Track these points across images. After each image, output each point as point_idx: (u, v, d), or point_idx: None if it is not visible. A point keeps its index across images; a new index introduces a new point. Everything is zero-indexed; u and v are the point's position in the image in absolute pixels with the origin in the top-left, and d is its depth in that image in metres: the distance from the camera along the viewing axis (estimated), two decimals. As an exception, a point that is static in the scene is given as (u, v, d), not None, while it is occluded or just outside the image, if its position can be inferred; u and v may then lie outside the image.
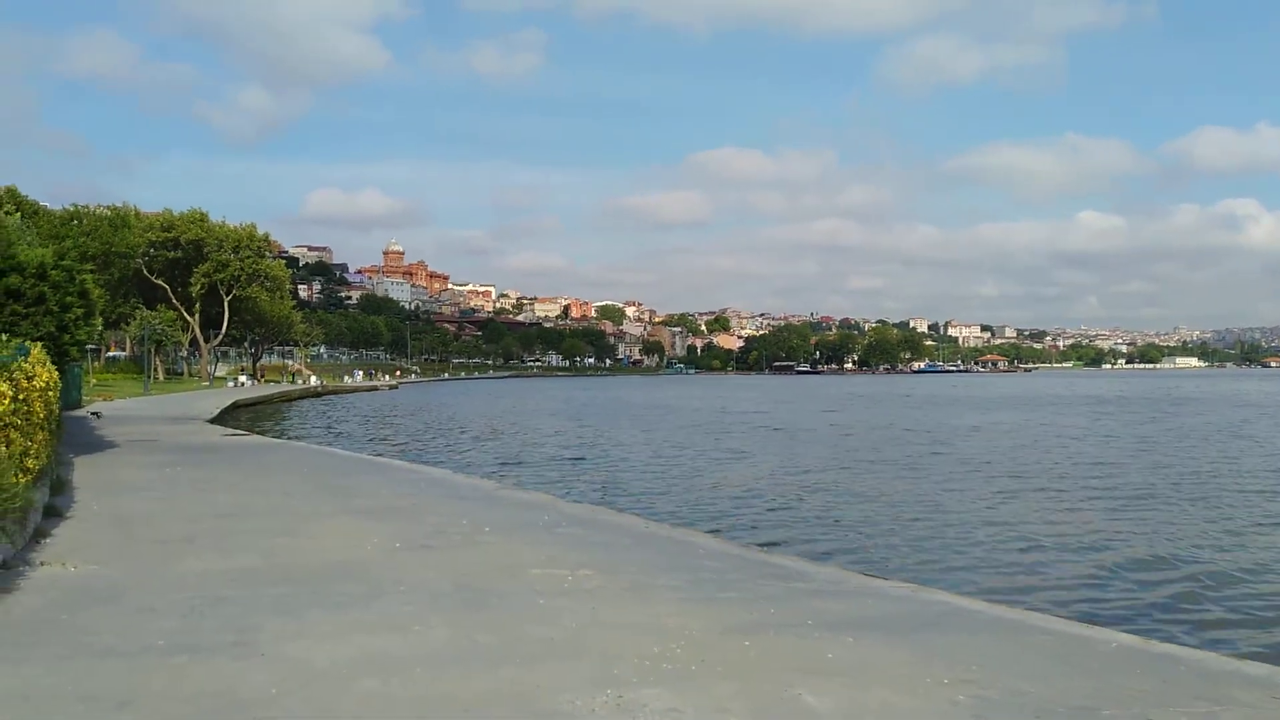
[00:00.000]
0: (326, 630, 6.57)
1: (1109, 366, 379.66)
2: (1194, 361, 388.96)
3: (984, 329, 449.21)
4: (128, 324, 75.90)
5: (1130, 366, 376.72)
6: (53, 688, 5.29)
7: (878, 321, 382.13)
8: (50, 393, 11.54)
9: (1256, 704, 5.48)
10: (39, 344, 13.06)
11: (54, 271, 19.41)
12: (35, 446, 10.23)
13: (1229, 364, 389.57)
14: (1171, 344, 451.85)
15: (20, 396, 9.40)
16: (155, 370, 75.64)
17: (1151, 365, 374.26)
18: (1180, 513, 16.33)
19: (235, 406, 47.87)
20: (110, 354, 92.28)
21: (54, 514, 11.30)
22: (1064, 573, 11.65)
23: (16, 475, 8.75)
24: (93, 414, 32.73)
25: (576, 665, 5.89)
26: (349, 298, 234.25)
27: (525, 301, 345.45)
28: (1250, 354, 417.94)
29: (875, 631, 6.94)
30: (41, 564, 8.56)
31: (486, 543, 10.28)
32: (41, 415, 10.64)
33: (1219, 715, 5.29)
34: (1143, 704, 5.40)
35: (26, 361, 10.28)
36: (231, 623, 6.72)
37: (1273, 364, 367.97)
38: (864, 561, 11.93)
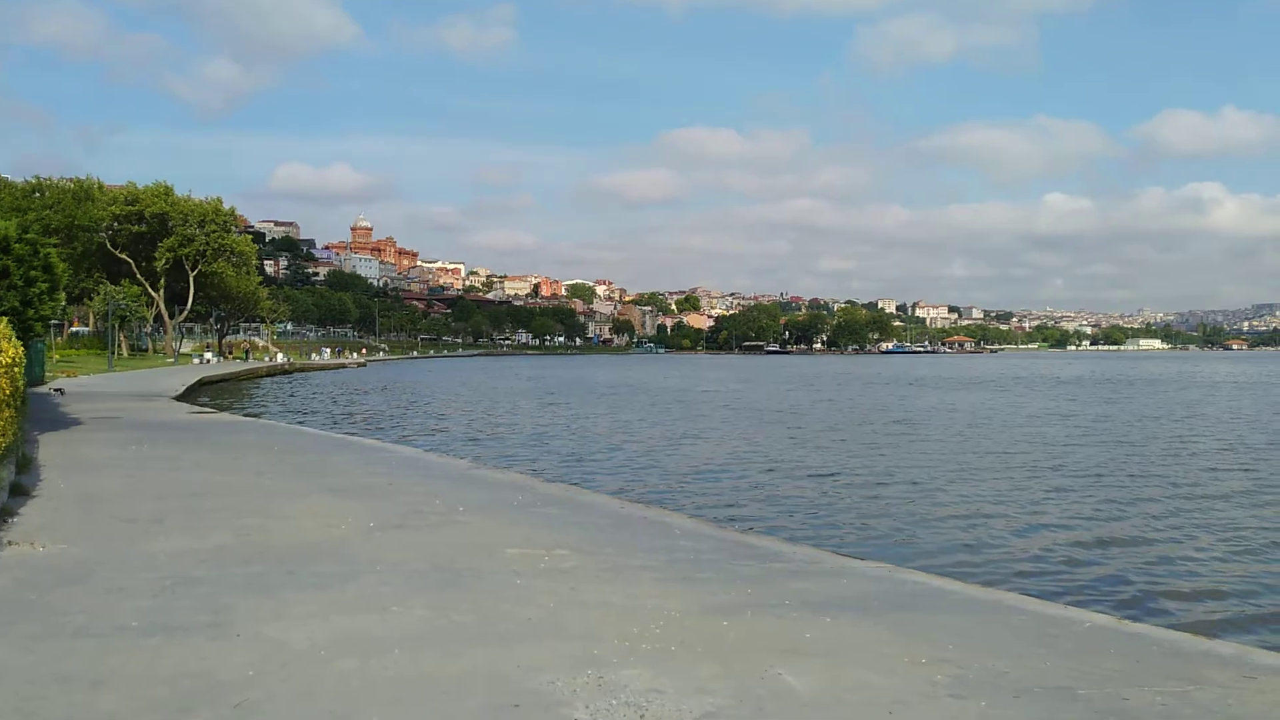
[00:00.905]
0: (303, 611, 6.51)
1: (1074, 348, 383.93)
2: (1157, 344, 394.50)
3: (951, 310, 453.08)
4: (91, 299, 74.94)
5: (1095, 348, 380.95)
6: (27, 668, 5.21)
7: (846, 302, 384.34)
8: (16, 369, 11.34)
9: (1228, 683, 5.55)
10: (3, 319, 12.82)
11: (18, 245, 19.08)
12: (1, 424, 10.06)
13: (1192, 346, 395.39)
14: (1136, 326, 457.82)
15: (-14, 373, 9.22)
16: (119, 347, 74.69)
17: (1116, 347, 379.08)
18: (1135, 491, 16.52)
19: (201, 384, 47.40)
20: (73, 330, 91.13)
21: (20, 492, 11.14)
22: (1030, 552, 11.76)
23: (-17, 453, 8.59)
24: (55, 390, 32.31)
25: (556, 645, 5.88)
26: (316, 274, 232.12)
27: (495, 279, 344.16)
28: (1213, 336, 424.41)
29: (853, 612, 6.97)
30: (9, 543, 8.43)
31: (462, 522, 10.24)
32: (8, 392, 10.46)
33: (1192, 694, 5.36)
34: (1117, 683, 5.46)
35: (-8, 337, 10.09)
36: (205, 603, 6.65)
37: (1234, 346, 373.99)
38: (838, 541, 11.99)
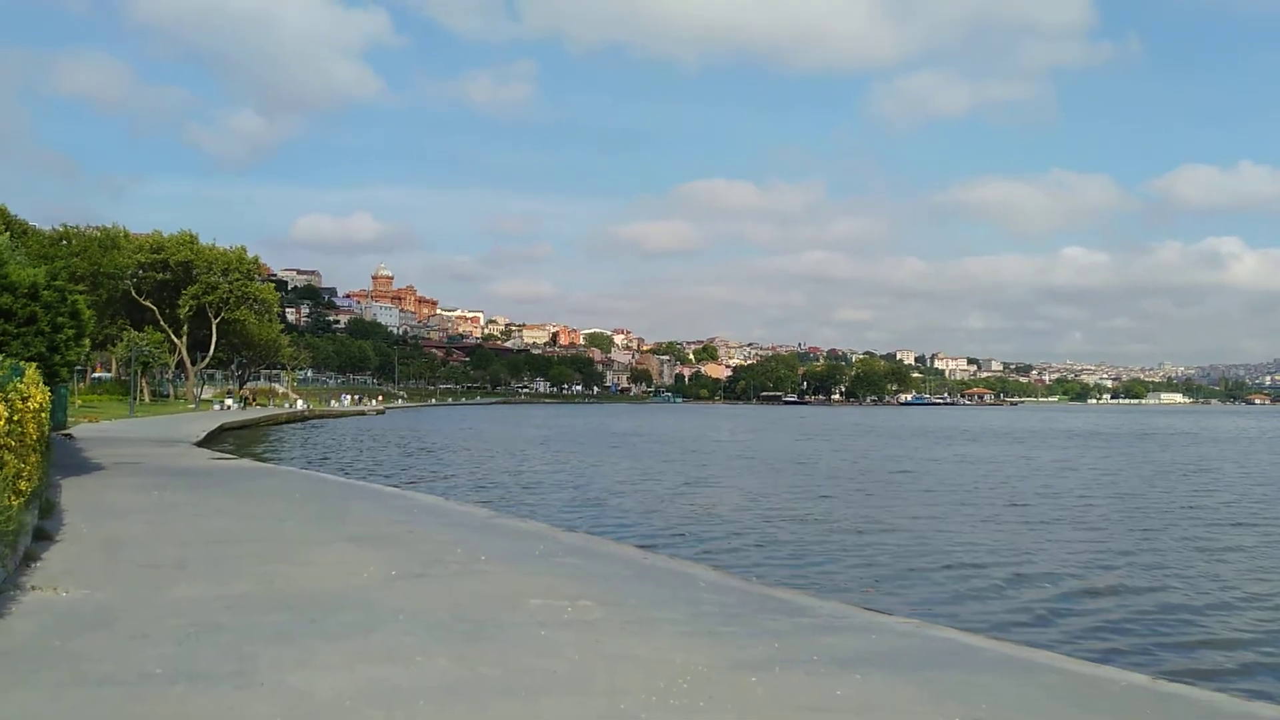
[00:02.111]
0: (327, 660, 6.47)
1: (1094, 401, 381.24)
2: (1179, 398, 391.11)
3: (970, 362, 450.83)
4: (114, 345, 75.45)
5: (1115, 402, 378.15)
6: (53, 716, 5.18)
7: (865, 353, 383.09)
8: (43, 414, 11.41)
9: (1271, 747, 5.43)
10: (33, 364, 12.93)
11: (46, 292, 19.26)
12: (28, 469, 10.10)
13: (1214, 400, 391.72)
14: (1157, 380, 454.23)
15: (15, 418, 9.28)
16: (141, 392, 75.17)
17: (1137, 401, 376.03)
18: (1165, 548, 16.29)
19: (222, 430, 47.56)
20: (96, 375, 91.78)
21: (43, 537, 11.16)
22: (1056, 608, 11.58)
23: (10, 498, 8.61)
24: (65, 435, 32.31)
25: (583, 699, 5.81)
26: (337, 322, 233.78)
27: (514, 328, 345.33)
28: (1235, 391, 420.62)
29: (882, 669, 6.87)
30: (32, 588, 8.43)
31: (484, 572, 10.18)
32: (35, 437, 10.51)
33: (1234, 758, 5.24)
34: (1157, 746, 5.34)
35: (21, 382, 10.17)
36: (229, 651, 6.61)
37: (1257, 401, 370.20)
38: (864, 596, 11.85)
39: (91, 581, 8.85)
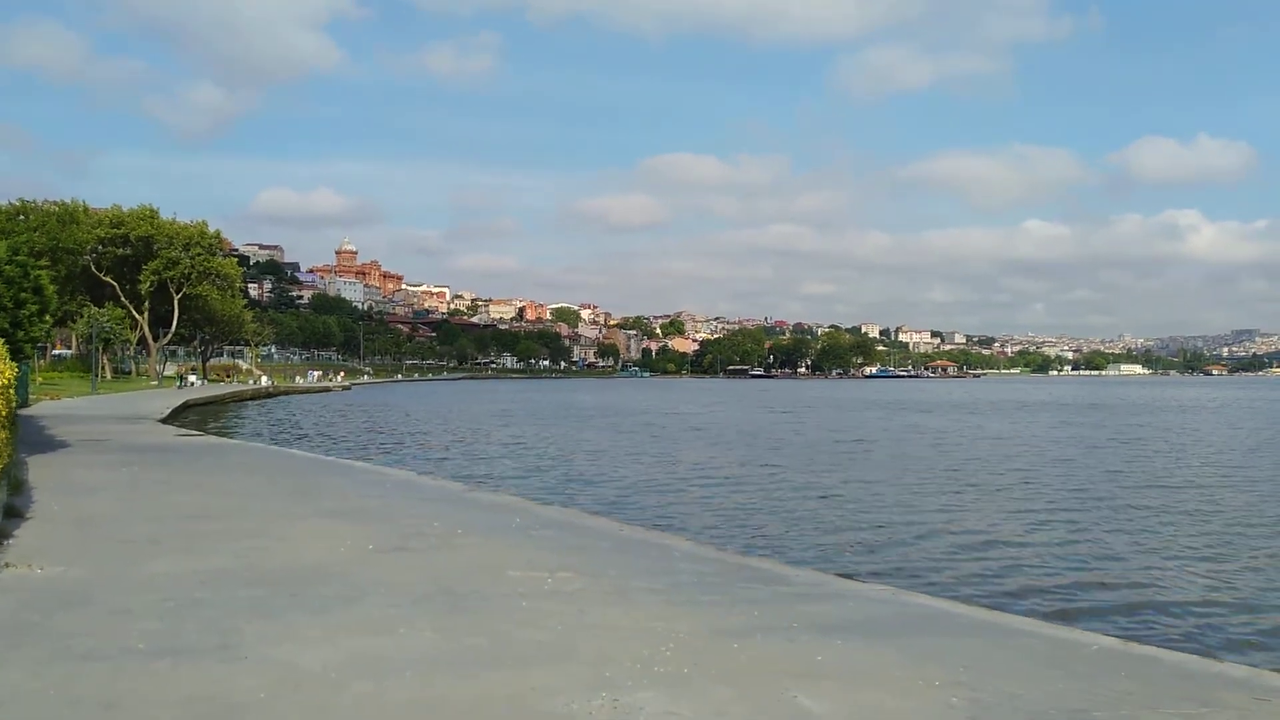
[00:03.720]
0: (311, 633, 6.46)
1: (1056, 373, 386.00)
2: (1139, 369, 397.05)
3: (934, 334, 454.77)
4: (74, 322, 74.41)
5: (1076, 373, 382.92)
6: (37, 692, 5.14)
7: (830, 326, 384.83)
8: (10, 390, 11.26)
9: (1242, 705, 5.57)
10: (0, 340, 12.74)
11: (8, 267, 18.98)
12: (-2, 445, 9.98)
13: (1173, 372, 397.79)
14: (1117, 351, 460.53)
15: (-16, 394, 9.15)
16: (103, 369, 74.19)
17: (1097, 372, 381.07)
18: (1127, 512, 16.62)
19: (186, 406, 47.09)
20: (56, 352, 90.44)
21: (13, 514, 11.04)
22: (1024, 572, 11.79)
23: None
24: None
25: (568, 668, 5.85)
26: (300, 297, 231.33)
27: (480, 303, 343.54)
28: (1193, 362, 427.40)
29: (861, 635, 6.97)
30: (6, 565, 8.35)
31: (462, 545, 10.19)
32: (3, 414, 10.38)
33: (1207, 717, 5.37)
34: (1132, 706, 5.47)
35: (-11, 358, 10.01)
36: (212, 625, 6.59)
37: (1214, 372, 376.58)
38: (835, 563, 11.98)
39: (66, 558, 8.77)
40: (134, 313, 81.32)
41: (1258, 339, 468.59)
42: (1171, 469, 24.76)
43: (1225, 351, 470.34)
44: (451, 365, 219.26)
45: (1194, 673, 6.35)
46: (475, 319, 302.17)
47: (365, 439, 35.36)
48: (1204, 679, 6.17)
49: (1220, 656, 7.87)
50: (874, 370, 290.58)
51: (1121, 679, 6.02)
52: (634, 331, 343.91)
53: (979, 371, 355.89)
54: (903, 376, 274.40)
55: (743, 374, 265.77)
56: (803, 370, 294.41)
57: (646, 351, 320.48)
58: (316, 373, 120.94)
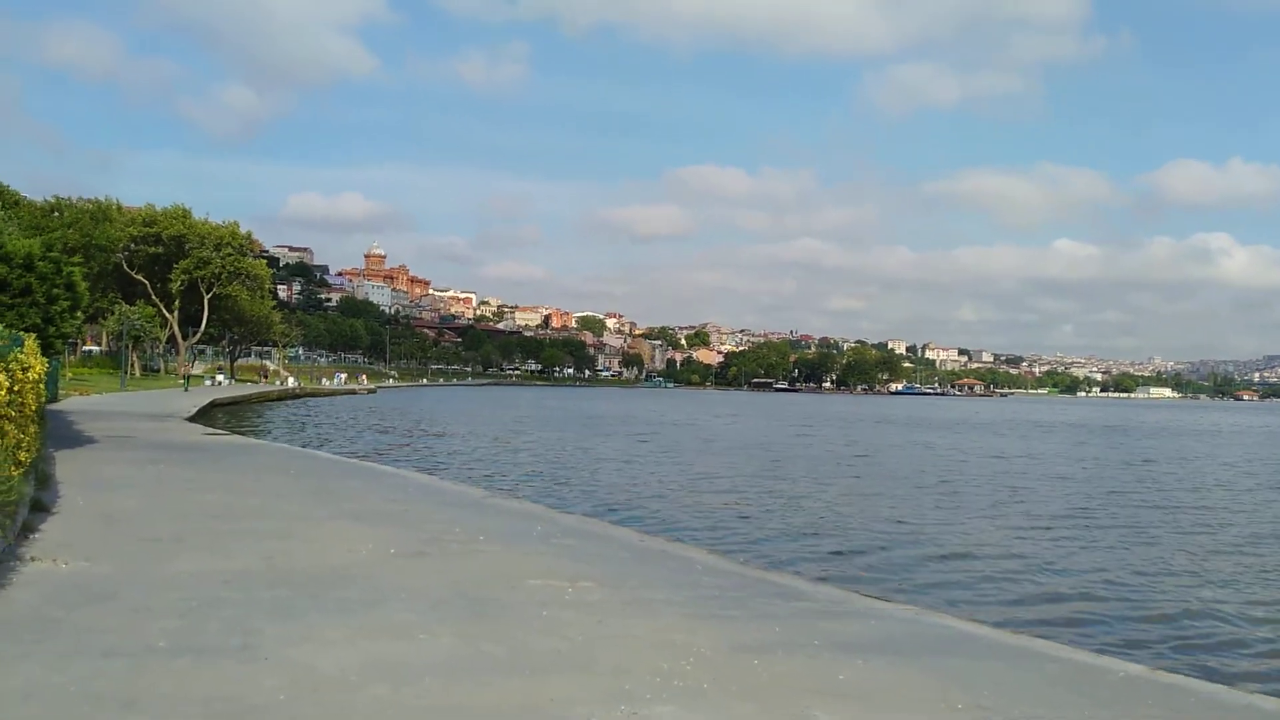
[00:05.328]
0: (330, 636, 6.46)
1: (1084, 394, 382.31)
2: (1168, 392, 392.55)
3: (961, 353, 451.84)
4: (105, 319, 75.17)
5: (1105, 395, 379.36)
6: (58, 687, 5.16)
7: (856, 342, 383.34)
8: (41, 385, 11.36)
9: (1272, 738, 5.46)
10: (31, 336, 12.87)
11: (41, 263, 19.18)
12: (27, 439, 10.06)
13: (1203, 395, 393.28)
14: (1146, 374, 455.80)
15: (15, 388, 9.24)
16: (132, 366, 74.92)
17: (1126, 394, 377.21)
18: (1155, 539, 16.41)
19: (213, 405, 47.47)
20: (86, 348, 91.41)
21: (40, 509, 11.11)
22: (1052, 596, 11.65)
23: (10, 468, 8.58)
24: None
25: (587, 679, 5.82)
26: (329, 300, 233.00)
27: (506, 309, 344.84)
28: (1224, 386, 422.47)
29: (884, 654, 6.89)
30: (32, 559, 8.40)
31: (483, 551, 10.18)
32: (33, 408, 10.48)
33: (1236, 748, 5.27)
34: (1159, 735, 5.38)
35: (22, 353, 10.12)
36: (233, 625, 6.60)
37: (1245, 397, 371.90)
38: (856, 581, 11.89)
39: (90, 554, 8.82)
40: (164, 311, 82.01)
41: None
42: (1227, 501, 23.94)
43: (1256, 376, 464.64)
44: (476, 371, 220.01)
45: (1225, 703, 6.24)
46: (501, 325, 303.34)
47: (387, 441, 35.49)
48: (1235, 710, 6.06)
49: (1245, 687, 7.73)
50: (899, 387, 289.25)
51: (1148, 707, 5.93)
52: (659, 341, 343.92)
53: (1006, 391, 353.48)
54: (929, 394, 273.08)
55: (767, 387, 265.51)
56: (828, 385, 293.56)
57: (671, 362, 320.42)
58: (343, 375, 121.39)
